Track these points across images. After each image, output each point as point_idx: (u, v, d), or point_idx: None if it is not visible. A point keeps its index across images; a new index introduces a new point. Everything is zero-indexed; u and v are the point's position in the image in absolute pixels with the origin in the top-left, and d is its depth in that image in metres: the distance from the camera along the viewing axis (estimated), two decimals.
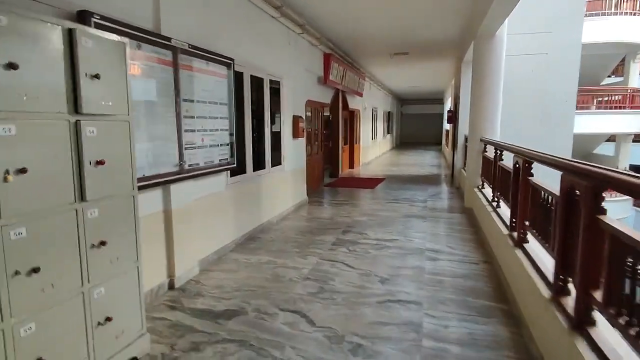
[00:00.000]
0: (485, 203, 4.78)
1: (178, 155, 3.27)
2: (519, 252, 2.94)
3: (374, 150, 16.15)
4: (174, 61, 3.17)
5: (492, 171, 4.76)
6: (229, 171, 4.26)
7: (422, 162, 15.03)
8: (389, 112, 21.28)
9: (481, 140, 5.81)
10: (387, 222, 5.51)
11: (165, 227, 3.27)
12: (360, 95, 12.17)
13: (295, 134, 6.29)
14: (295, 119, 6.28)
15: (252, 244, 4.55)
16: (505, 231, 3.50)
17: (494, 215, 4.14)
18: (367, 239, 4.73)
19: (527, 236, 2.99)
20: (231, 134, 4.10)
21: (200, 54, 3.52)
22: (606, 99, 15.91)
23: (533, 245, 2.90)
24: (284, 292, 3.23)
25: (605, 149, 19.17)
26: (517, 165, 3.23)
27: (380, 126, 18.15)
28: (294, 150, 6.38)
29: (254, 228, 4.91)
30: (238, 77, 4.51)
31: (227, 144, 4.07)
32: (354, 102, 11.86)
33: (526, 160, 2.96)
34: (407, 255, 4.12)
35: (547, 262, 2.50)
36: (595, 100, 16.31)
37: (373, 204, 6.92)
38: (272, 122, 5.55)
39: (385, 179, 10.04)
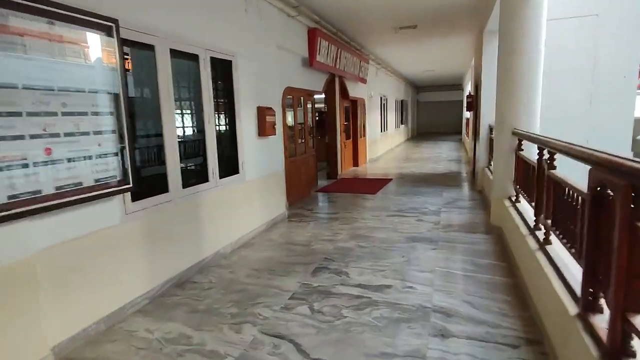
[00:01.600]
0: (524, 230, 3.17)
1: None
2: None
3: (384, 143, 14.45)
4: None
5: (534, 182, 3.12)
6: (128, 194, 2.83)
7: (439, 155, 13.25)
8: (402, 101, 19.41)
9: (514, 133, 4.16)
10: (382, 251, 3.97)
11: None
12: (364, 81, 10.52)
13: (262, 131, 4.80)
14: (262, 112, 4.78)
15: (175, 297, 3.12)
16: (571, 308, 1.89)
17: (542, 259, 2.52)
18: (346, 285, 3.22)
19: (634, 341, 1.43)
20: (122, 137, 2.65)
21: (30, 5, 2.06)
22: None
23: None
24: None
25: None
26: (600, 189, 1.65)
27: (392, 116, 16.38)
28: (262, 152, 4.90)
29: (187, 268, 3.47)
30: (148, 51, 3.06)
31: (115, 154, 2.62)
32: (356, 90, 10.22)
33: (633, 186, 1.37)
34: (401, 323, 2.59)
35: None
36: None
37: (370, 217, 5.37)
38: (221, 116, 4.08)
39: (393, 180, 8.44)
